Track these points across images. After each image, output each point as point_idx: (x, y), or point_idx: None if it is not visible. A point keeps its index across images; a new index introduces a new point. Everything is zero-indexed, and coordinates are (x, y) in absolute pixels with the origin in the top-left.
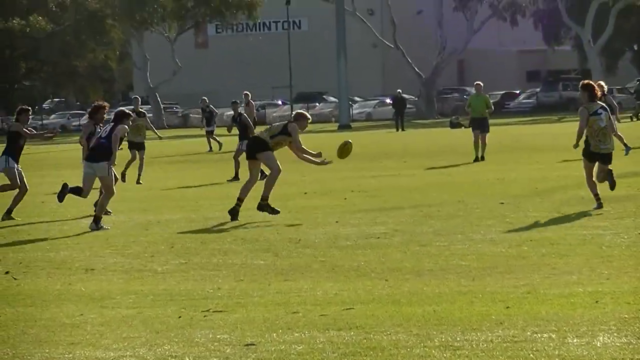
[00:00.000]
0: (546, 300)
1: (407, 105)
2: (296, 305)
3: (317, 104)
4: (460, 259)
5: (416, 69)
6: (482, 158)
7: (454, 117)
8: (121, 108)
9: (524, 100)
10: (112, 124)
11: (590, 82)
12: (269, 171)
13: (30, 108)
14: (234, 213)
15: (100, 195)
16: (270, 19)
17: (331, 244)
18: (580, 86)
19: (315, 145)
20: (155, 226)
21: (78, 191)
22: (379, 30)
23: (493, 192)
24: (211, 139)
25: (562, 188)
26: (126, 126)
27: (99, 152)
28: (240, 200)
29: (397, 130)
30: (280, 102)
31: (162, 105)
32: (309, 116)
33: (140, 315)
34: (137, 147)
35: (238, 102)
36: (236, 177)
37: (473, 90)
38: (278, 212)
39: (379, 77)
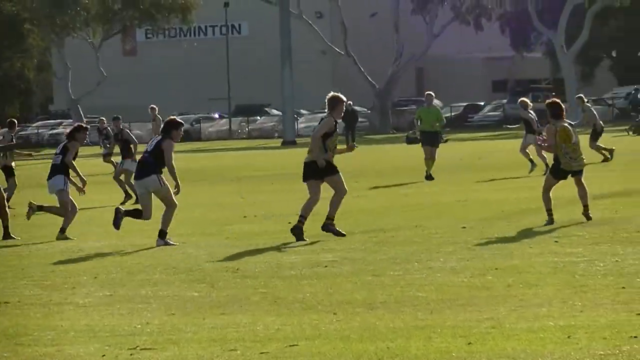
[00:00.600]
0: (513, 335)
1: (359, 119)
2: (234, 342)
3: (259, 118)
4: (417, 290)
5: (369, 78)
6: (431, 177)
7: (410, 132)
8: (172, 117)
9: (489, 113)
10: (159, 136)
11: (556, 99)
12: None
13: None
14: (297, 232)
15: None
16: (207, 23)
17: (273, 273)
18: (545, 104)
19: (258, 165)
20: (76, 254)
21: (137, 214)
22: (328, 35)
23: (454, 215)
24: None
25: (531, 211)
26: (173, 141)
27: (145, 168)
28: (303, 217)
29: None
30: (217, 116)
31: (85, 119)
32: (344, 98)
33: (59, 353)
34: (7, 173)
35: (120, 117)
36: (128, 196)
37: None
38: (343, 235)
39: (328, 88)
